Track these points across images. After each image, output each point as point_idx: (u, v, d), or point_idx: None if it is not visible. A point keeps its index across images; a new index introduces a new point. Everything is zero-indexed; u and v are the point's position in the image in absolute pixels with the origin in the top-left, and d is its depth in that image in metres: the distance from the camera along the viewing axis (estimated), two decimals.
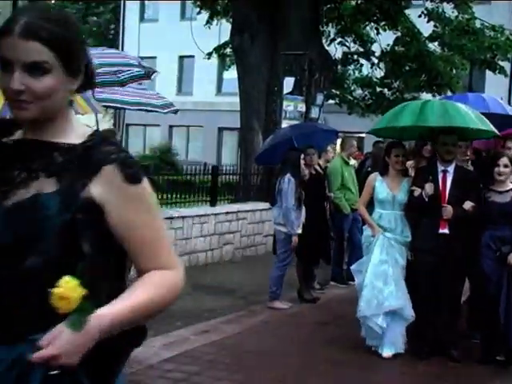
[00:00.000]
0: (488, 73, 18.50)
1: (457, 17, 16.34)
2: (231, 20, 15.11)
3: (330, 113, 19.29)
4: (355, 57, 18.24)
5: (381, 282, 6.07)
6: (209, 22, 17.82)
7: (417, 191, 5.97)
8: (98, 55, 6.76)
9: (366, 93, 18.25)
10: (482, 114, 6.50)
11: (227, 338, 6.47)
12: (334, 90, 17.47)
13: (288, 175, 7.64)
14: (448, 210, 5.84)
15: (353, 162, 10.16)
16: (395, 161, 6.26)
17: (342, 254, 9.50)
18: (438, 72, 16.19)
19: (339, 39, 17.68)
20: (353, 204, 9.09)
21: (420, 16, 16.55)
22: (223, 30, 18.17)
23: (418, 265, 6.06)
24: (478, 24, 16.55)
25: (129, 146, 32.05)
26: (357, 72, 18.36)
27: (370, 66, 17.91)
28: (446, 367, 5.95)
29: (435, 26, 16.68)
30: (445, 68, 16.22)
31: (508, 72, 18.94)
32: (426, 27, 16.74)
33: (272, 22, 13.46)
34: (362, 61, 18.16)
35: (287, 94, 12.97)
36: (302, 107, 13.06)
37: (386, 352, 6.06)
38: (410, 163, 6.84)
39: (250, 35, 13.48)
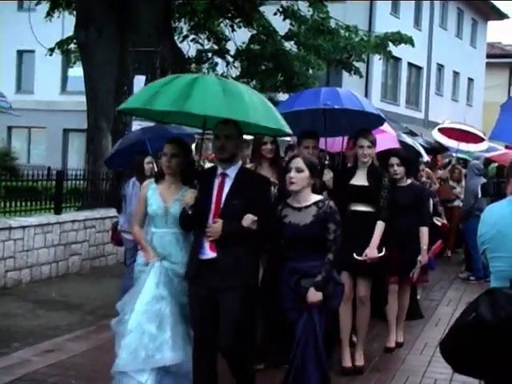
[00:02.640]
0: (345, 73, 19.31)
1: (312, 16, 16.91)
2: (75, 12, 14.77)
3: None
4: (209, 55, 18.41)
5: (153, 326, 4.79)
6: (50, 13, 17.31)
7: (183, 201, 4.84)
8: None
9: None
10: (337, 111, 6.26)
11: (74, 357, 6.33)
12: None
13: (133, 179, 7.64)
14: (213, 228, 4.66)
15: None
16: (163, 162, 5.10)
17: None
18: (294, 72, 16.66)
19: (192, 36, 17.78)
20: None
21: (275, 14, 16.98)
22: (67, 23, 17.73)
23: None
24: (332, 24, 17.23)
25: None
26: (211, 71, 18.54)
27: (225, 64, 18.15)
28: None
29: (291, 24, 17.18)
30: (301, 68, 16.73)
31: (363, 73, 19.90)
32: (281, 26, 17.21)
33: (120, 16, 13.30)
34: (217, 59, 18.36)
35: None
36: None
37: None
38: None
39: (97, 29, 13.24)
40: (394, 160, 6.77)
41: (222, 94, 4.58)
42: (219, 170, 4.85)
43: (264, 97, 5.19)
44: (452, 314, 8.54)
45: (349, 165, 6.90)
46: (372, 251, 6.01)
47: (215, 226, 4.66)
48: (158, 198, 5.08)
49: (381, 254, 6.04)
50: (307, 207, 4.81)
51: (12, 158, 28.25)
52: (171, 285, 4.94)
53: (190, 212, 4.74)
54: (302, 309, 4.73)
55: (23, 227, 9.48)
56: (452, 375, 6.18)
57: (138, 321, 4.80)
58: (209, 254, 4.73)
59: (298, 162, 4.81)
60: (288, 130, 4.93)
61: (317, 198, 4.89)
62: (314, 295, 4.68)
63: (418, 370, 6.37)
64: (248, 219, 4.62)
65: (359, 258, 5.99)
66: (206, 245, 4.73)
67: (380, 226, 6.07)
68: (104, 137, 13.16)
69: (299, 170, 4.79)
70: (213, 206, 4.76)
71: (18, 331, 7.11)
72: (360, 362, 6.25)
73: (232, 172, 4.82)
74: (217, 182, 4.82)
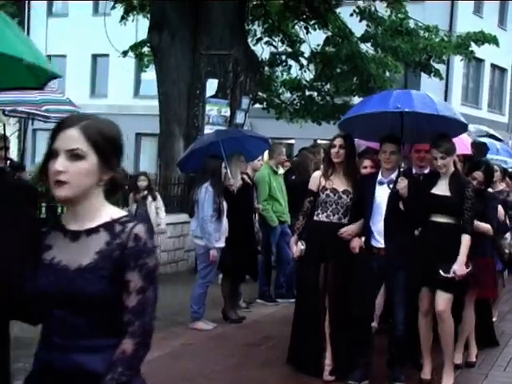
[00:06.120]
0: (423, 76, 19.05)
1: (390, 16, 16.76)
2: (148, 16, 15.07)
3: (257, 118, 19.44)
4: (283, 57, 18.46)
5: None
6: (124, 17, 17.72)
7: None
8: None
9: (295, 96, 18.48)
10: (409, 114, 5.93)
11: (146, 364, 6.40)
12: (260, 93, 17.62)
13: (206, 184, 7.69)
14: None
15: (282, 170, 10.26)
16: None
17: (270, 269, 9.59)
18: (370, 74, 16.53)
19: (266, 38, 17.86)
20: (281, 216, 9.25)
21: (352, 15, 16.89)
22: (140, 26, 18.09)
23: None
24: (411, 24, 17.04)
25: (36, 153, 31.50)
26: (285, 74, 18.58)
27: (298, 67, 18.16)
28: None
29: (367, 25, 17.06)
30: (377, 70, 16.58)
31: (443, 75, 19.58)
32: (358, 27, 17.11)
33: (194, 19, 13.48)
34: (291, 62, 18.38)
35: (210, 97, 13.02)
36: (226, 111, 13.13)
37: None
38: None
39: (170, 33, 13.46)
40: (479, 175, 6.60)
41: None
42: None
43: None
44: None
45: (414, 170, 6.74)
46: (461, 268, 5.76)
47: None
48: None
49: (468, 270, 5.83)
50: (90, 232, 2.33)
51: None
52: None
53: None
54: None
55: None
56: None
57: None
58: None
59: (72, 138, 2.27)
60: (55, 69, 2.96)
61: (114, 213, 2.39)
62: None
63: None
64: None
65: (447, 275, 5.74)
66: None
67: (466, 241, 5.80)
68: (176, 142, 13.35)
69: (74, 156, 2.27)
70: None
71: None
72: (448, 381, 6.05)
73: None
74: None
